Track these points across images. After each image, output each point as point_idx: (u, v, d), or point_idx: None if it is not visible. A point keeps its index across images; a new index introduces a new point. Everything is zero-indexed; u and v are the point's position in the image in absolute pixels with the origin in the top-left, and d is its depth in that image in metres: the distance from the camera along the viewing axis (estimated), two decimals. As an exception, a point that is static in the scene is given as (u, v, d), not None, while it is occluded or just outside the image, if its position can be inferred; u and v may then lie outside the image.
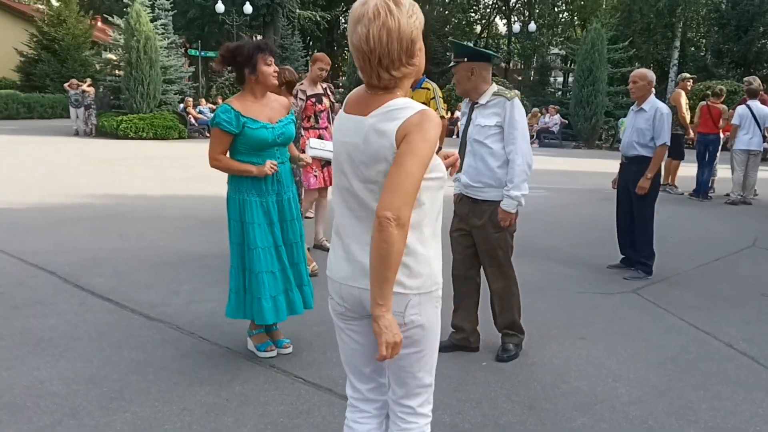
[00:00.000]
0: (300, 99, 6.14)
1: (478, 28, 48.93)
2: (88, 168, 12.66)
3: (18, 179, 10.66)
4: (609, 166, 13.18)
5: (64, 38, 31.54)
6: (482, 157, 3.77)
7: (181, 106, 22.03)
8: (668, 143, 5.69)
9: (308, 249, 5.71)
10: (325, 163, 6.20)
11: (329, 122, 6.34)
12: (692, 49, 33.27)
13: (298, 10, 35.67)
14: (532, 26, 33.09)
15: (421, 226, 1.90)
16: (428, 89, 6.35)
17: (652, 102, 5.76)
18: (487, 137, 3.75)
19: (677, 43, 30.12)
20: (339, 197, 1.99)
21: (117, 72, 22.51)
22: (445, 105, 7.19)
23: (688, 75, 11.42)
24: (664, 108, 5.71)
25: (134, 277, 5.41)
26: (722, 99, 11.21)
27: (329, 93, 6.44)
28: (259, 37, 41.17)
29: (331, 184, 6.39)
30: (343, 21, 47.04)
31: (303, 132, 6.14)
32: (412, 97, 7.60)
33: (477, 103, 3.82)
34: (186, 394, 3.38)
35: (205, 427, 3.05)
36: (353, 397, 2.15)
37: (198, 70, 26.41)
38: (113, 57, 23.26)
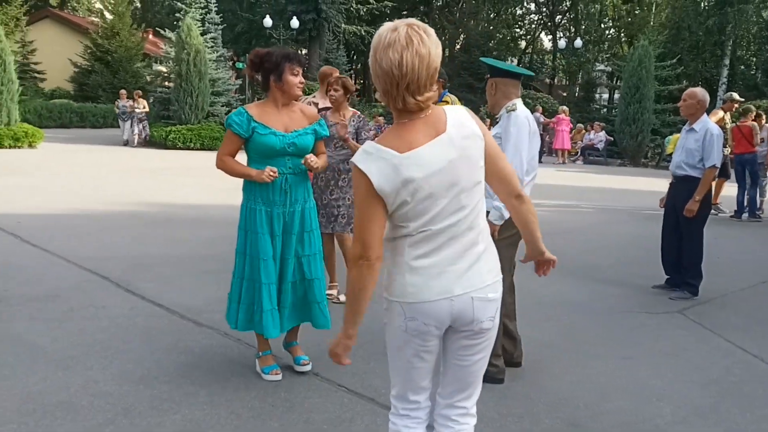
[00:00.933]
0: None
1: (523, 44, 48.82)
2: (137, 177, 13.01)
3: (71, 187, 11.01)
4: (654, 184, 13.04)
5: (116, 50, 32.56)
6: None
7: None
8: (717, 165, 5.60)
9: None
10: None
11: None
12: (742, 67, 32.68)
13: (343, 25, 36.09)
14: (578, 42, 32.83)
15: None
16: (448, 102, 6.52)
17: (704, 122, 5.67)
18: None
19: (726, 61, 29.63)
20: (438, 226, 1.99)
21: (166, 84, 23.12)
22: None
23: (736, 96, 11.04)
24: (714, 129, 5.62)
25: (181, 283, 5.55)
26: (752, 117, 10.99)
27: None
28: (305, 51, 41.80)
29: None
30: (387, 36, 47.42)
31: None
32: None
33: (497, 118, 3.91)
34: (233, 398, 3.46)
35: (251, 431, 3.13)
36: (406, 407, 2.19)
37: (245, 83, 26.85)
38: (163, 69, 23.88)
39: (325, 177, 5.08)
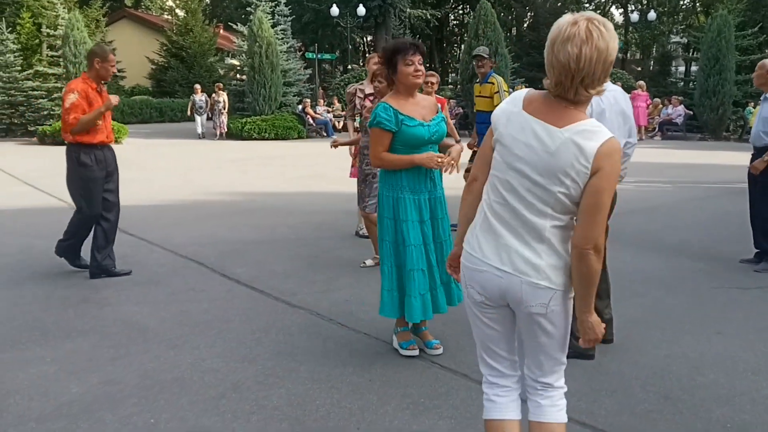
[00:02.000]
0: (358, 97, 6.55)
1: (593, 19, 47.47)
2: (219, 167, 13.49)
3: (157, 179, 11.53)
4: (737, 158, 12.57)
5: (191, 46, 33.55)
6: None
7: (300, 107, 22.88)
8: None
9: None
10: None
11: None
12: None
13: (408, 9, 36.01)
14: (652, 15, 31.72)
15: (569, 238, 2.08)
16: (493, 83, 6.76)
17: None
18: None
19: (814, 26, 27.97)
20: (499, 189, 2.11)
21: (239, 77, 23.71)
22: None
23: None
24: None
25: (272, 268, 5.80)
26: None
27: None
28: (370, 38, 41.93)
29: None
30: (452, 18, 47.09)
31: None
32: (480, 91, 7.54)
33: None
34: (332, 373, 3.64)
35: (352, 404, 3.29)
36: (491, 375, 2.31)
37: (315, 72, 27.25)
38: (236, 62, 24.52)
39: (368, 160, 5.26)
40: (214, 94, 21.72)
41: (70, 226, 5.58)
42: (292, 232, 7.27)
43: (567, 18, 1.97)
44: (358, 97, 6.55)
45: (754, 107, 15.61)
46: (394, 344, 3.99)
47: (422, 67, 3.68)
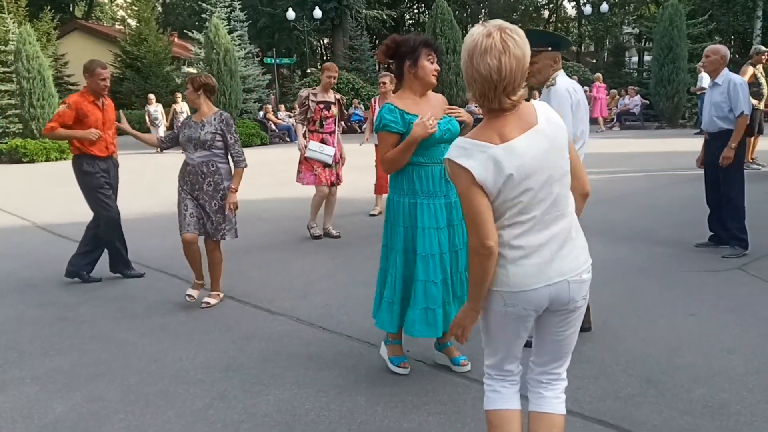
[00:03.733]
0: (312, 102, 6.81)
1: (546, 13, 48.16)
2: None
3: (120, 192, 11.32)
4: (694, 145, 12.84)
5: (146, 56, 33.03)
6: None
7: (261, 113, 22.75)
8: (746, 112, 5.69)
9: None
10: (326, 165, 6.90)
11: (336, 128, 7.04)
12: (776, 17, 31.70)
13: (364, 11, 36.07)
14: (605, 7, 32.27)
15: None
16: None
17: (725, 75, 5.80)
18: None
19: (759, 13, 28.78)
20: (523, 215, 2.08)
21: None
22: None
23: (763, 48, 10.95)
24: (737, 78, 5.76)
25: (248, 276, 5.77)
26: None
27: (340, 105, 7.12)
28: (327, 41, 41.84)
29: (333, 183, 6.94)
30: (408, 18, 47.25)
31: (308, 134, 6.94)
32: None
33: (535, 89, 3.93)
34: (318, 377, 3.64)
35: (341, 406, 3.30)
36: (499, 374, 2.33)
37: (274, 78, 27.12)
38: (193, 70, 24.24)
39: (190, 181, 5.03)
40: (174, 105, 20.44)
41: (104, 235, 5.71)
42: (264, 239, 7.24)
43: (480, 30, 2.01)
44: (311, 101, 6.79)
45: (698, 94, 15.91)
46: (382, 353, 3.76)
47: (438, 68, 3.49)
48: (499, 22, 2.05)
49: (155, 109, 20.88)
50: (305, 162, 6.95)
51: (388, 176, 3.61)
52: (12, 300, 5.33)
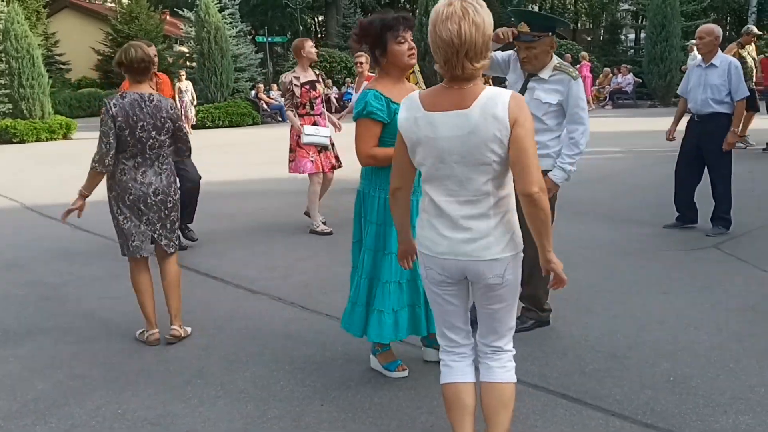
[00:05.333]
0: (295, 86, 6.38)
1: (542, -7, 47.80)
2: (174, 158, 13.33)
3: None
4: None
5: (137, 34, 32.57)
6: (536, 131, 3.59)
7: (253, 92, 22.70)
8: (747, 96, 5.68)
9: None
10: (321, 149, 6.49)
11: (323, 108, 6.69)
12: (772, -6, 31.57)
13: (358, -13, 35.80)
14: (599, -16, 32.09)
15: (506, 204, 2.27)
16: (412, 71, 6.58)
17: (721, 57, 5.75)
18: (545, 113, 3.68)
19: (755, -11, 28.68)
20: (439, 185, 2.26)
21: (188, 63, 23.31)
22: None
23: (754, 29, 10.95)
24: (734, 60, 5.74)
25: (232, 256, 5.85)
26: None
27: (321, 80, 6.74)
28: (321, 18, 41.51)
29: (328, 170, 6.58)
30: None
31: (298, 119, 6.45)
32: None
33: (535, 75, 3.68)
34: (295, 355, 3.74)
35: (316, 381, 3.40)
36: (448, 345, 2.49)
37: (266, 56, 26.99)
38: (185, 49, 24.14)
39: None
40: (179, 83, 18.48)
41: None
42: (250, 219, 7.31)
43: (443, 2, 2.13)
44: (295, 85, 6.39)
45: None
46: (373, 366, 3.52)
47: (414, 44, 3.18)
48: None
49: (186, 86, 18.71)
50: (299, 149, 6.47)
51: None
52: (-2, 280, 5.40)
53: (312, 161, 6.44)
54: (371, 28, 3.14)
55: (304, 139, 6.32)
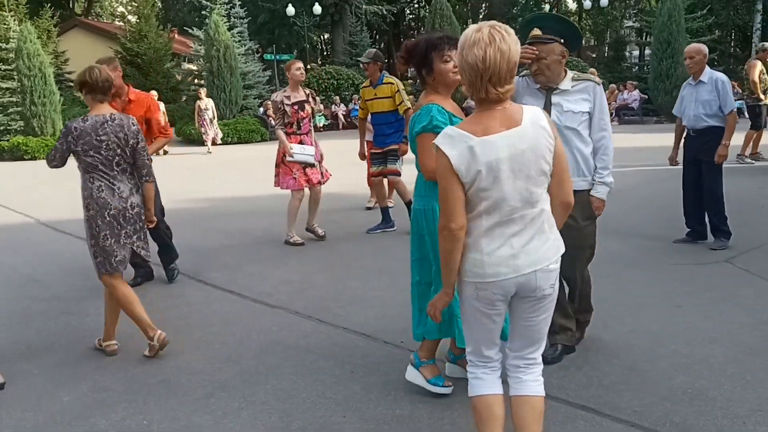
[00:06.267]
0: (286, 105, 6.59)
1: (547, 7, 48.09)
2: (185, 174, 13.47)
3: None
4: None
5: (146, 52, 32.98)
6: (576, 145, 3.60)
7: (261, 109, 22.87)
8: (735, 108, 5.86)
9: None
10: (306, 166, 6.71)
11: (311, 127, 6.87)
12: (776, 11, 31.74)
13: (364, 6, 36.11)
14: (604, 1, 32.27)
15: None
16: (392, 83, 6.78)
17: (709, 73, 5.92)
18: (579, 123, 3.61)
19: (759, 6, 28.82)
20: (495, 208, 2.26)
21: (197, 81, 23.51)
22: (410, 97, 7.35)
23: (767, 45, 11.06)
24: (721, 76, 5.89)
25: (248, 270, 5.91)
26: None
27: (311, 99, 6.88)
28: (327, 36, 41.85)
29: (313, 183, 6.75)
30: (408, 12, 47.27)
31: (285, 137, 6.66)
32: (375, 94, 7.46)
33: (556, 89, 3.61)
34: (314, 367, 3.78)
35: (337, 394, 3.44)
36: (481, 361, 2.51)
37: (274, 74, 27.20)
38: (193, 67, 24.36)
39: None
40: (198, 101, 18.90)
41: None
42: (263, 234, 7.38)
43: (472, 27, 2.23)
44: (286, 105, 6.57)
45: None
46: (409, 377, 3.45)
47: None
48: (492, 21, 2.25)
49: (206, 104, 18.80)
50: (283, 165, 6.72)
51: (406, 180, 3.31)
52: (17, 294, 5.48)
53: (295, 178, 6.70)
54: (417, 49, 3.26)
55: (290, 158, 6.61)
